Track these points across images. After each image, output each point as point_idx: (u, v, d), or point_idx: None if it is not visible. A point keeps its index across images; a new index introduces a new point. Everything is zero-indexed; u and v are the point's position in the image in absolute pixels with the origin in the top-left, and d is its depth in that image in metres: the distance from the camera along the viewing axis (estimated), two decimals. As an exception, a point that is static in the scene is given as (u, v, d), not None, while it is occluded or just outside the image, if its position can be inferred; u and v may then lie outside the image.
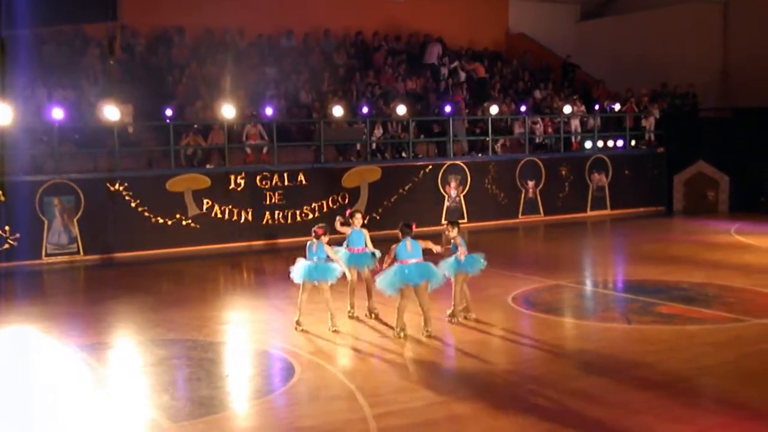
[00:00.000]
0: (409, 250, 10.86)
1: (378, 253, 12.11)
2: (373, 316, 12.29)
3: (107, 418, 8.42)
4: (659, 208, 25.77)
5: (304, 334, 11.44)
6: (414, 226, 11.11)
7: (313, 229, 11.64)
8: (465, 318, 11.89)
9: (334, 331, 11.47)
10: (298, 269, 11.55)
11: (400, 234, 10.99)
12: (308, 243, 11.54)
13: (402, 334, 10.98)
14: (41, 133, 18.97)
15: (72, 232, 18.30)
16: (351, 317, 12.36)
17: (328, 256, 11.47)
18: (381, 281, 10.94)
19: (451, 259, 11.59)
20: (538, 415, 8.08)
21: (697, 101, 26.78)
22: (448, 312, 11.88)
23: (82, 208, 18.35)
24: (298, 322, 11.64)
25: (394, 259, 10.93)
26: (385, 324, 11.79)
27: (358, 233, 12.27)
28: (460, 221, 12.82)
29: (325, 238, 11.48)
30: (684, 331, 11.14)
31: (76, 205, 18.31)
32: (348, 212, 12.60)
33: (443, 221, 12.13)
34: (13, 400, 9.08)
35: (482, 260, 11.81)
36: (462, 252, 11.55)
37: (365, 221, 18.99)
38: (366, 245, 12.26)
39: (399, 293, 10.96)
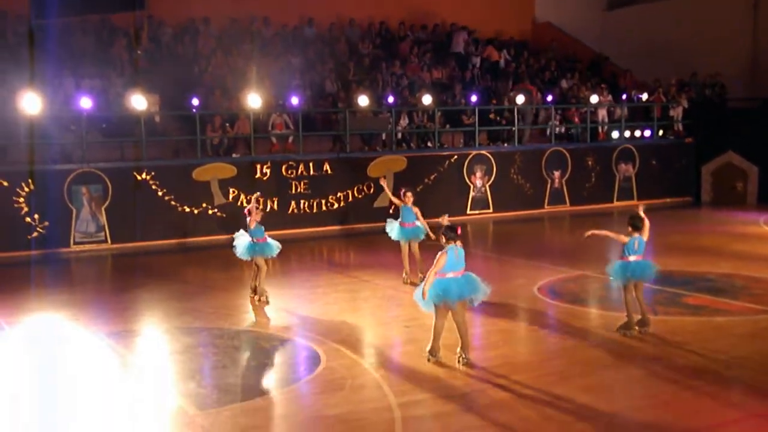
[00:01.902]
0: (456, 258, 9.35)
1: (426, 228, 13.30)
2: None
3: (134, 405, 8.50)
4: (687, 199, 25.55)
5: (328, 322, 11.47)
6: (459, 231, 9.51)
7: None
8: (640, 332, 10.47)
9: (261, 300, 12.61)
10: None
11: (443, 239, 9.42)
12: None
13: (432, 359, 9.50)
14: (69, 122, 19.12)
15: (100, 220, 18.45)
16: (405, 282, 13.75)
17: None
18: (417, 295, 9.42)
19: (618, 262, 10.56)
20: (562, 406, 8.05)
21: (725, 91, 26.49)
22: (620, 324, 10.59)
23: (110, 197, 18.49)
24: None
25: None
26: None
27: (408, 209, 13.59)
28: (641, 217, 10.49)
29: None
30: (711, 323, 11.05)
31: (103, 193, 18.45)
32: (402, 190, 13.86)
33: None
34: (41, 387, 9.18)
35: (654, 266, 10.63)
36: (637, 257, 10.44)
37: (391, 210, 19.35)
38: (417, 220, 13.52)
39: (435, 311, 9.42)
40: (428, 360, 9.43)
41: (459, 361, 9.33)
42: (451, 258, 9.20)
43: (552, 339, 10.70)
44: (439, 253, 9.25)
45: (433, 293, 9.17)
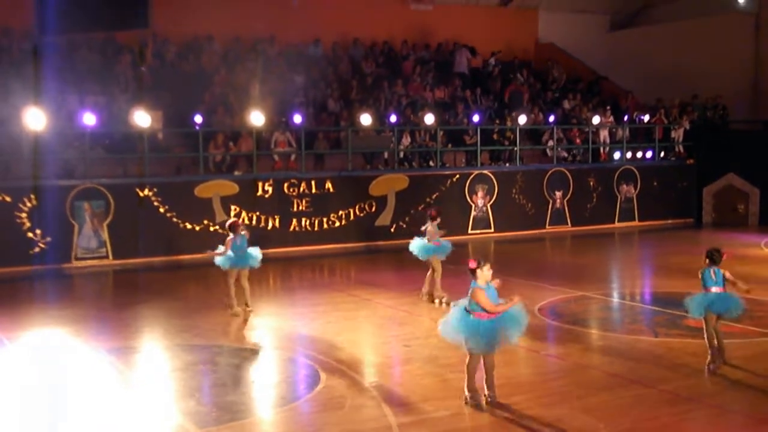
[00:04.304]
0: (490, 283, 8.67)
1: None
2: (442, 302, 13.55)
3: (134, 422, 8.49)
4: (688, 221, 25.57)
5: (328, 341, 11.46)
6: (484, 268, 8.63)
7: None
8: (711, 371, 9.82)
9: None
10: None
11: (475, 276, 8.58)
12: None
13: (470, 402, 8.66)
14: (73, 138, 19.19)
15: (101, 236, 18.48)
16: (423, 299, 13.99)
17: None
18: (444, 327, 8.82)
19: (699, 296, 9.91)
20: (562, 427, 8.03)
21: (727, 113, 26.56)
22: (707, 360, 9.92)
23: (112, 213, 18.53)
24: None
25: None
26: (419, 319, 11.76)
27: (436, 228, 13.97)
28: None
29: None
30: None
31: (105, 209, 18.50)
32: (433, 212, 14.34)
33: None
34: (42, 402, 9.17)
35: (739, 302, 9.84)
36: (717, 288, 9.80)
37: (392, 230, 19.53)
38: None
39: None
40: (466, 403, 8.64)
41: (486, 399, 8.66)
42: (492, 292, 8.59)
43: (552, 360, 10.69)
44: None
45: (461, 330, 8.56)
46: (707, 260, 9.83)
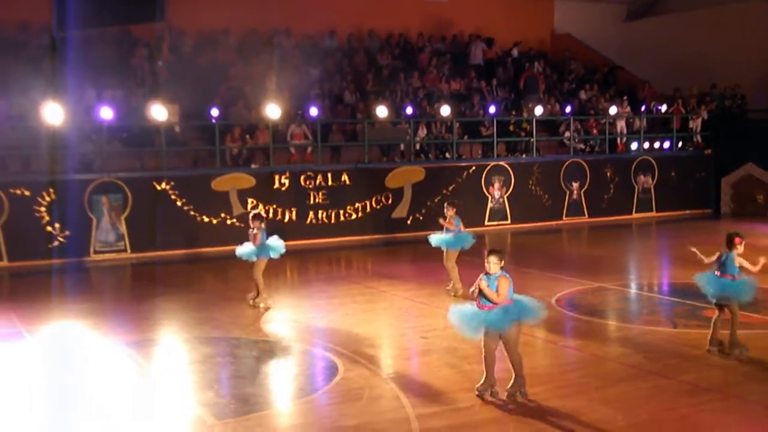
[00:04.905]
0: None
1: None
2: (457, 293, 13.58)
3: (153, 414, 8.55)
4: (706, 211, 25.42)
5: (346, 333, 11.49)
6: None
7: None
8: (711, 350, 10.07)
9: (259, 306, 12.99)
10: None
11: (492, 265, 8.50)
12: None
13: (485, 396, 8.62)
14: (90, 132, 19.29)
15: (119, 229, 18.58)
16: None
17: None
18: (455, 317, 8.78)
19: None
20: (580, 418, 8.02)
21: (745, 102, 26.36)
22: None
23: (129, 207, 18.62)
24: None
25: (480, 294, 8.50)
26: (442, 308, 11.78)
27: (456, 219, 13.89)
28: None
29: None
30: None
31: (123, 203, 18.59)
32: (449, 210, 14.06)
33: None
34: (62, 395, 9.25)
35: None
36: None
37: (408, 222, 19.64)
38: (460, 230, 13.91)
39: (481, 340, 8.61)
40: (477, 395, 8.63)
41: (518, 396, 8.52)
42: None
43: (570, 351, 10.67)
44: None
45: (473, 322, 8.51)
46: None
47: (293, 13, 24.93)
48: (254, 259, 13.03)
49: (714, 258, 10.14)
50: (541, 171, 23.36)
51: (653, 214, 25.09)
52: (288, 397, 9.23)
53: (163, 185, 18.89)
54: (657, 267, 17.99)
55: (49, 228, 17.81)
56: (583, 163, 24.03)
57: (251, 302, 13.24)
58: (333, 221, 20.63)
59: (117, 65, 21.86)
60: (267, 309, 13.02)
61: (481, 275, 8.52)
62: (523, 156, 23.76)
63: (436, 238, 14.03)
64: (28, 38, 21.49)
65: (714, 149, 25.73)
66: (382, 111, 21.46)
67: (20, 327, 12.22)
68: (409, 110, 22.25)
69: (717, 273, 10.02)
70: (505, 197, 22.85)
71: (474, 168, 22.47)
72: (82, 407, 8.83)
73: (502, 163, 22.89)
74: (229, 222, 19.44)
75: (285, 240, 13.34)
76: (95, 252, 18.41)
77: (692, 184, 25.54)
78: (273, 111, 20.14)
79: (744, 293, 9.97)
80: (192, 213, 19.15)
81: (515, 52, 27.50)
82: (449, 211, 13.91)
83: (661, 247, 20.69)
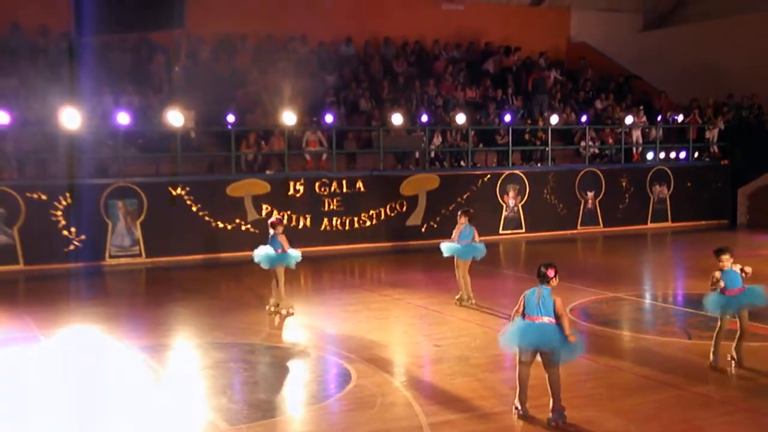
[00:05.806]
0: (537, 301, 8.16)
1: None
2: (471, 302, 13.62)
3: (166, 419, 8.58)
4: (722, 222, 25.30)
5: (359, 340, 11.49)
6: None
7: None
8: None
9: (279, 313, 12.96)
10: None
11: (543, 281, 8.25)
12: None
13: (519, 414, 8.33)
14: (107, 137, 19.42)
15: (135, 234, 18.68)
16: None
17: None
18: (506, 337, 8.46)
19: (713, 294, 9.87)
20: (592, 429, 7.98)
21: (762, 113, 26.24)
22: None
23: (145, 212, 18.71)
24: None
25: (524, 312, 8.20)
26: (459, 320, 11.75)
27: (468, 228, 13.75)
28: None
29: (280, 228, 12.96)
30: (745, 348, 10.85)
31: (138, 208, 18.68)
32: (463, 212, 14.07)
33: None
34: (75, 399, 9.29)
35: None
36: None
37: (423, 229, 19.70)
38: (473, 239, 13.73)
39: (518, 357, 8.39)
40: (515, 414, 8.35)
41: (548, 423, 8.12)
42: (530, 298, 8.18)
43: (583, 361, 10.60)
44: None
45: (516, 338, 8.25)
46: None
47: (309, 20, 25.01)
48: (277, 266, 12.95)
49: (718, 278, 9.83)
50: (556, 180, 23.32)
51: (668, 224, 24.99)
52: (301, 403, 9.24)
53: (179, 190, 18.98)
54: (672, 277, 17.91)
55: (65, 232, 17.93)
56: (599, 173, 23.98)
57: (272, 309, 13.15)
58: (347, 228, 20.65)
59: (134, 71, 22.02)
60: (290, 314, 12.99)
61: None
62: (538, 165, 23.73)
63: (446, 247, 13.98)
64: (47, 44, 21.67)
65: (730, 160, 25.61)
66: (397, 118, 21.49)
67: (35, 330, 12.30)
68: (424, 118, 22.27)
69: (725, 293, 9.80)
70: (520, 206, 22.82)
71: (489, 176, 22.45)
72: (95, 411, 8.86)
73: (517, 171, 22.87)
74: (243, 228, 19.49)
75: (299, 246, 13.38)
76: (110, 256, 18.51)
77: (708, 195, 25.42)
78: (288, 117, 20.20)
79: (760, 296, 9.81)
80: (207, 218, 19.23)
81: (543, 62, 27.45)
82: (462, 219, 13.85)
83: (676, 258, 20.60)
